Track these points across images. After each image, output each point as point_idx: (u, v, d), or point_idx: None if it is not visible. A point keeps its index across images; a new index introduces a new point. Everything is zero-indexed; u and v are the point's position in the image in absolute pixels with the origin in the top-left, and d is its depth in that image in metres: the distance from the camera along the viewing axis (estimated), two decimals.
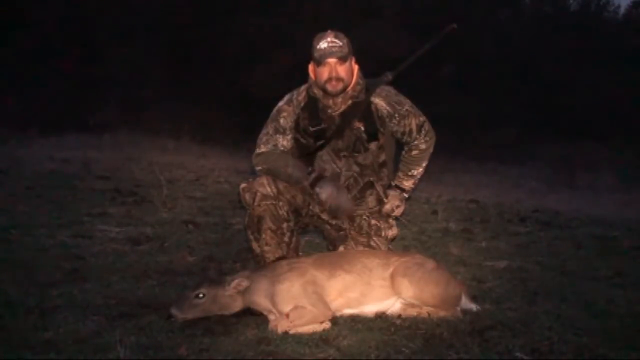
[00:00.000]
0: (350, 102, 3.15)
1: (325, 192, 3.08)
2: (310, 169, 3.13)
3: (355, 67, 3.16)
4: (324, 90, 3.10)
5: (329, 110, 3.16)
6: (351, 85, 3.13)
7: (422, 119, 3.24)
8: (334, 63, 3.04)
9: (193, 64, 14.45)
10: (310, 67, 3.16)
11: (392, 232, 3.28)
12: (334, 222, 3.25)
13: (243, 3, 15.48)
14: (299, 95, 3.21)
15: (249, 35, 14.73)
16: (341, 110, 3.16)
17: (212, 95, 14.01)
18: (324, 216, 3.25)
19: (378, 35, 14.19)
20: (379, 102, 3.18)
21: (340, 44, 3.04)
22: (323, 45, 3.04)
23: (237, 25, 14.92)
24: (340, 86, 3.07)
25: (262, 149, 3.19)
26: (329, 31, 3.08)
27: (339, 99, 3.13)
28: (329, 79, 3.05)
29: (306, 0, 15.39)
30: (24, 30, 13.23)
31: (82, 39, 13.75)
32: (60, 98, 12.58)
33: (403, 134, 3.22)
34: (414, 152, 3.26)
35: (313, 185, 3.09)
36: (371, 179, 3.23)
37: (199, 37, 14.60)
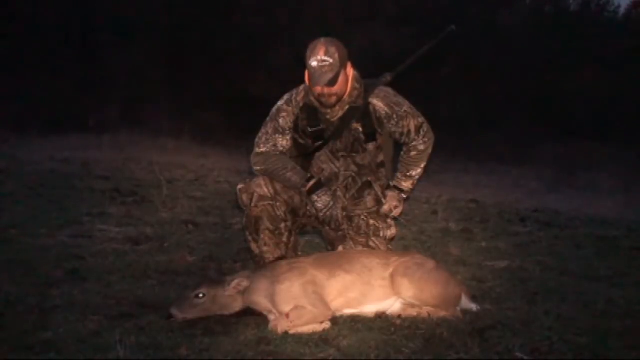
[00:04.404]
0: (347, 107, 3.14)
1: (322, 201, 3.10)
2: (309, 175, 3.13)
3: (351, 73, 3.10)
4: (319, 102, 3.09)
5: (327, 116, 3.16)
6: (347, 92, 3.10)
7: (421, 120, 3.23)
8: (324, 86, 2.99)
9: (193, 64, 14.43)
10: (307, 73, 3.11)
11: (391, 232, 3.28)
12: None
13: (243, 3, 15.47)
14: (298, 95, 3.20)
15: (248, 35, 14.71)
16: (339, 116, 3.15)
17: (212, 95, 14.00)
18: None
19: (377, 35, 14.18)
20: (377, 103, 3.17)
21: (331, 61, 2.94)
22: (313, 63, 2.95)
23: (237, 25, 14.91)
24: (333, 100, 3.05)
25: (262, 148, 3.19)
26: (321, 43, 2.97)
27: (336, 107, 3.12)
28: (321, 95, 3.03)
29: (306, 1, 15.38)
30: (24, 29, 13.22)
31: (82, 38, 13.74)
32: (60, 98, 12.56)
33: (401, 135, 3.21)
34: (413, 153, 3.26)
35: (311, 192, 3.09)
36: (369, 179, 3.23)
37: (199, 37, 14.59)
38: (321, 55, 2.95)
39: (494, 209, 6.34)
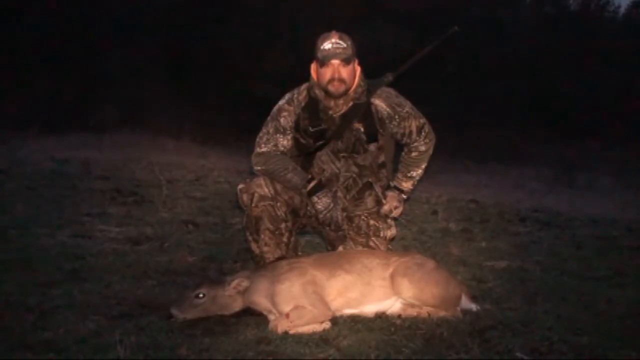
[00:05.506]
0: (351, 103, 3.15)
1: (322, 203, 3.10)
2: (309, 176, 3.13)
3: (358, 69, 3.15)
4: (326, 92, 3.10)
5: (330, 112, 3.16)
6: (353, 87, 3.12)
7: (422, 120, 3.24)
8: (337, 64, 3.03)
9: (193, 64, 14.43)
10: (313, 67, 3.15)
11: (391, 232, 3.28)
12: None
13: (243, 3, 15.47)
14: (300, 94, 3.21)
15: (249, 35, 14.71)
16: (342, 112, 3.16)
17: (212, 95, 14.00)
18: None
19: (379, 35, 14.18)
20: (379, 103, 3.18)
21: (345, 45, 3.04)
22: (327, 46, 3.03)
23: (237, 25, 14.91)
24: (342, 88, 3.07)
25: (263, 148, 3.19)
26: (334, 32, 3.07)
27: (341, 101, 3.13)
28: (332, 80, 3.05)
29: (307, 0, 15.38)
30: (24, 29, 13.22)
31: (82, 38, 13.74)
32: (60, 98, 12.56)
33: (403, 135, 3.22)
34: (414, 154, 3.26)
35: (311, 193, 3.10)
36: (370, 179, 3.23)
37: (199, 37, 14.59)
38: (335, 39, 3.04)
39: (494, 209, 6.33)
